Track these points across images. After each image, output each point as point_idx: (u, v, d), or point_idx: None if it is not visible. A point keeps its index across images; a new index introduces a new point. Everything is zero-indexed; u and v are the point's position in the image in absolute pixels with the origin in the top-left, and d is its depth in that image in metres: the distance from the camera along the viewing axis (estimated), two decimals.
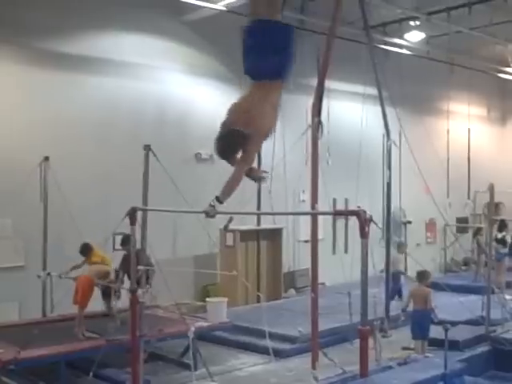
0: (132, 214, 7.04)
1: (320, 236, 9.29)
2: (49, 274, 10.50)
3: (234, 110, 4.81)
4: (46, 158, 10.72)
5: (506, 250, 14.02)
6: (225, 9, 12.87)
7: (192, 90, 13.96)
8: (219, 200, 5.02)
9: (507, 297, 12.57)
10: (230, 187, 4.78)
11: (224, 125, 4.83)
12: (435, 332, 10.16)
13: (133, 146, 10.84)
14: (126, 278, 9.10)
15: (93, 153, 12.10)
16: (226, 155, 4.83)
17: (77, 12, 11.93)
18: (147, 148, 8.22)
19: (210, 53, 14.20)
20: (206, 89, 14.17)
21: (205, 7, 12.74)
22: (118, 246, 11.06)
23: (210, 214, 5.06)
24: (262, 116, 4.73)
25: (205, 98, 14.14)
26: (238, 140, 4.70)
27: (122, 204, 7.42)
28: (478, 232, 15.47)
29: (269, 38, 4.49)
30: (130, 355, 7.34)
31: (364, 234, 5.17)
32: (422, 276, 9.97)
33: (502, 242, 14.04)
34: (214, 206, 5.07)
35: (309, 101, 9.25)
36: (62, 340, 8.76)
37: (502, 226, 14.06)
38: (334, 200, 14.06)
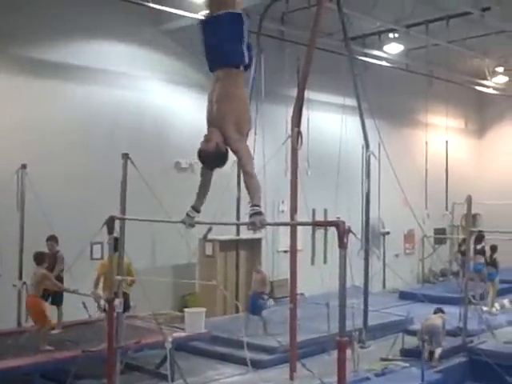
0: (110, 223, 6.98)
1: (299, 247, 9.31)
2: (24, 283, 10.34)
3: (209, 102, 4.92)
4: (24, 166, 10.60)
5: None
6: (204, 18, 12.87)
7: (171, 99, 13.93)
8: (196, 209, 5.07)
9: (484, 308, 12.70)
10: (257, 188, 4.76)
11: (206, 136, 4.94)
12: (412, 343, 10.24)
13: (111, 155, 10.75)
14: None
15: (71, 161, 11.99)
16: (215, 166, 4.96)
17: (55, 19, 11.83)
18: (125, 156, 8.14)
19: (189, 62, 14.17)
20: (184, 97, 14.14)
21: (184, 16, 12.74)
22: (95, 255, 11.03)
23: (188, 223, 5.07)
24: (230, 98, 4.77)
25: (184, 107, 14.11)
26: (220, 155, 4.88)
27: (99, 212, 7.37)
28: (463, 243, 15.55)
29: (217, 27, 4.77)
30: (106, 366, 7.25)
31: (342, 245, 5.17)
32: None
33: (482, 253, 14.23)
34: (192, 217, 5.09)
35: (288, 111, 9.29)
36: (37, 351, 8.63)
37: (480, 237, 14.20)
38: (314, 210, 14.10)
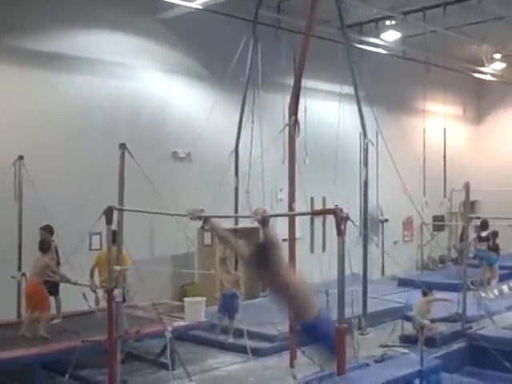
0: (108, 213, 6.99)
1: (298, 235, 9.30)
2: (23, 274, 10.35)
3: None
4: (21, 157, 10.58)
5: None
6: (200, 7, 12.84)
7: (167, 88, 13.89)
8: (205, 223, 5.24)
9: (483, 294, 12.75)
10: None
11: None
12: (412, 329, 10.28)
13: (108, 145, 10.72)
14: None
15: (68, 151, 11.97)
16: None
17: (50, 10, 11.80)
18: (122, 147, 8.13)
19: (185, 51, 14.14)
20: (181, 87, 14.11)
21: (180, 5, 12.69)
22: (94, 246, 11.03)
23: (194, 217, 5.18)
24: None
25: (180, 96, 14.08)
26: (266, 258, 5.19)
27: (98, 203, 7.37)
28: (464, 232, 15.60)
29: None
30: (106, 356, 7.28)
31: (340, 232, 5.17)
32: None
33: (487, 240, 14.29)
34: (200, 210, 5.22)
35: (286, 99, 9.25)
36: (37, 341, 8.66)
37: (485, 224, 14.25)
38: (312, 199, 14.11)
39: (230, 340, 10.26)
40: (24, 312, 9.72)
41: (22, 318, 10.00)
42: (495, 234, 14.30)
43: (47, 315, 8.95)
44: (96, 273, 9.65)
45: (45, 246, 9.34)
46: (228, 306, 10.47)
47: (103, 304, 8.92)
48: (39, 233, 10.24)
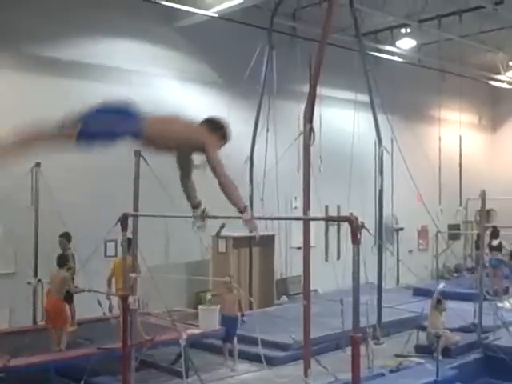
0: (123, 220, 7.01)
1: (312, 243, 9.29)
2: (39, 280, 10.43)
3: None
4: (38, 164, 10.66)
5: (501, 257, 14.17)
6: (216, 15, 12.89)
7: (183, 96, 13.93)
8: (194, 206, 5.11)
9: (499, 304, 12.63)
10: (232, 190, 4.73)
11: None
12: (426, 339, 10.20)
13: (123, 152, 10.74)
14: None
15: (84, 158, 11.99)
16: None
17: (67, 17, 11.90)
18: (138, 154, 8.18)
19: (200, 59, 14.20)
20: (196, 94, 14.15)
21: (196, 14, 12.75)
22: (109, 253, 11.09)
23: (197, 225, 5.13)
24: None
25: (195, 104, 14.10)
26: None
27: (113, 210, 7.40)
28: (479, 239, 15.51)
29: None
30: (121, 363, 7.29)
31: (355, 241, 5.14)
32: None
33: (499, 248, 14.16)
34: (196, 213, 5.15)
35: (301, 107, 9.26)
36: (55, 350, 8.69)
37: (496, 233, 14.13)
38: (326, 207, 14.08)
39: (235, 367, 9.76)
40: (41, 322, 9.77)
41: (38, 324, 10.09)
42: None
43: (68, 329, 8.97)
44: (113, 281, 9.68)
45: (62, 261, 9.39)
46: (227, 329, 9.96)
47: (116, 311, 8.96)
48: (58, 240, 10.31)
